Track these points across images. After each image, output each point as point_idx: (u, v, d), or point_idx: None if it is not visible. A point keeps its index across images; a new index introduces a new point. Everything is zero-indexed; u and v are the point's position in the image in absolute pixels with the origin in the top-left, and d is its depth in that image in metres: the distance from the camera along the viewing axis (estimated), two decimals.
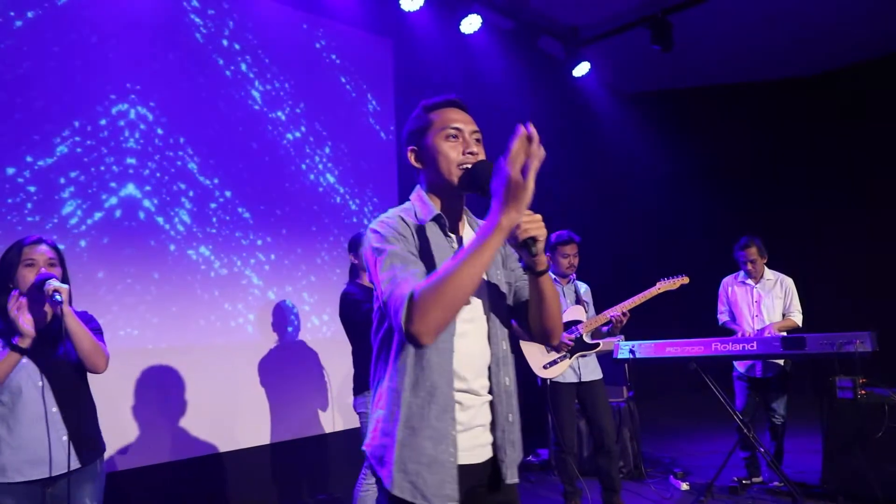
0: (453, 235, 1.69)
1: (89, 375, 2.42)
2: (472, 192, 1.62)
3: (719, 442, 5.09)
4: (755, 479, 4.67)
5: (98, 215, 3.83)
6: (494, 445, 1.65)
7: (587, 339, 4.10)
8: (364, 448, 1.65)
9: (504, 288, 1.74)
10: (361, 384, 3.46)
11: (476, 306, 1.65)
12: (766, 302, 4.66)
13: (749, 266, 4.67)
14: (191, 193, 4.27)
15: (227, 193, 4.46)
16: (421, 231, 1.63)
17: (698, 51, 7.38)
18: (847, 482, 4.05)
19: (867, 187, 8.00)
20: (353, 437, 4.85)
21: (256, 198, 4.63)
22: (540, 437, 5.31)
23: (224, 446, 4.33)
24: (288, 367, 4.71)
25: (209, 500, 4.26)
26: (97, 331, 2.44)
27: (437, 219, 1.65)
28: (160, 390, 4.06)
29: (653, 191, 8.62)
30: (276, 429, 4.62)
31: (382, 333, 1.65)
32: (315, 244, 4.97)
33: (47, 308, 2.32)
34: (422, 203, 1.68)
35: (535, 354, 4.06)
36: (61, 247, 3.55)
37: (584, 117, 7.97)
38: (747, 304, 4.73)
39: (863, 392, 4.07)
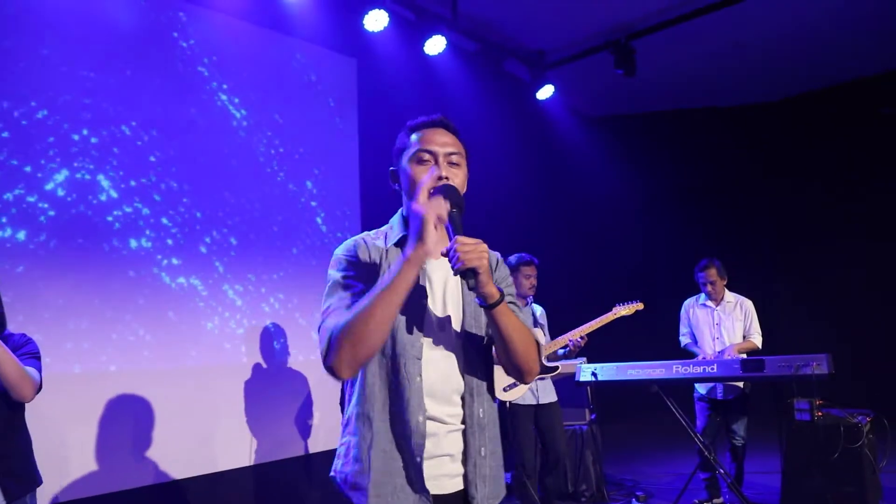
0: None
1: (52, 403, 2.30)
2: None
3: (681, 464, 5.10)
4: (716, 501, 4.69)
5: (43, 236, 3.71)
6: (465, 479, 1.60)
7: (544, 363, 4.10)
8: (332, 475, 1.63)
9: (483, 317, 1.67)
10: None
11: (448, 334, 1.63)
12: (727, 324, 4.71)
13: (709, 287, 4.72)
14: (145, 212, 4.15)
15: (185, 212, 4.36)
16: (387, 254, 1.63)
17: (663, 75, 7.51)
18: (806, 503, 4.08)
19: (831, 211, 8.18)
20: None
21: (217, 215, 4.52)
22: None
23: (200, 470, 4.23)
24: (259, 388, 4.61)
25: None
26: (32, 355, 2.30)
27: (400, 242, 1.63)
28: (128, 414, 3.93)
29: (615, 214, 8.70)
30: (250, 451, 4.51)
31: None
32: (279, 261, 4.88)
33: None
34: (395, 225, 1.69)
35: (496, 377, 4.04)
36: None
37: (549, 139, 8.04)
38: (708, 327, 4.77)
39: (819, 414, 4.11)
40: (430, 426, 1.56)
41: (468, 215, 1.57)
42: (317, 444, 4.90)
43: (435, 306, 1.63)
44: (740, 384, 4.54)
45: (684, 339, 4.92)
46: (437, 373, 1.60)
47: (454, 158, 1.63)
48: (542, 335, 4.20)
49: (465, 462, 1.60)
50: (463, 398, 1.62)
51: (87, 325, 3.81)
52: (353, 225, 5.46)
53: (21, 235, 3.60)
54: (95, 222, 3.91)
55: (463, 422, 1.62)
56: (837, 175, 8.15)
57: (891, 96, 7.72)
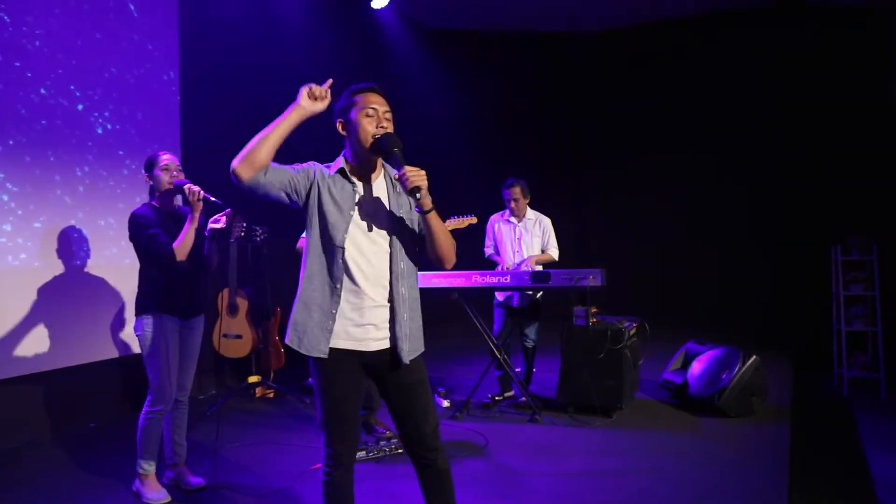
0: (358, 182, 2.26)
1: None
2: (379, 156, 2.24)
3: (481, 363, 5.51)
4: (507, 395, 5.21)
5: None
6: (393, 339, 2.24)
7: None
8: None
9: (409, 223, 2.31)
10: (141, 305, 3.29)
11: (379, 232, 2.23)
12: (527, 239, 5.12)
13: (513, 204, 5.08)
14: None
15: None
16: (331, 179, 2.24)
17: None
18: (576, 395, 4.68)
19: (630, 140, 8.96)
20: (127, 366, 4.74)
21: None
22: None
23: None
24: (60, 294, 4.45)
25: None
26: None
27: (340, 171, 2.26)
28: None
29: (439, 129, 8.77)
30: (47, 357, 4.38)
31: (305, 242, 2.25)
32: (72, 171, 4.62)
33: None
34: (337, 162, 2.29)
35: None
36: None
37: (382, 51, 7.97)
38: (510, 241, 5.16)
39: (594, 320, 4.68)
40: (359, 301, 2.19)
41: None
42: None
43: (365, 216, 2.23)
44: (533, 293, 5.00)
45: (488, 251, 5.30)
46: (368, 263, 2.20)
47: (388, 115, 2.24)
48: None
49: (391, 327, 2.24)
50: (390, 282, 2.23)
51: None
52: (167, 133, 5.24)
53: None
54: None
55: (390, 300, 2.23)
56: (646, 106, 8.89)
57: None
